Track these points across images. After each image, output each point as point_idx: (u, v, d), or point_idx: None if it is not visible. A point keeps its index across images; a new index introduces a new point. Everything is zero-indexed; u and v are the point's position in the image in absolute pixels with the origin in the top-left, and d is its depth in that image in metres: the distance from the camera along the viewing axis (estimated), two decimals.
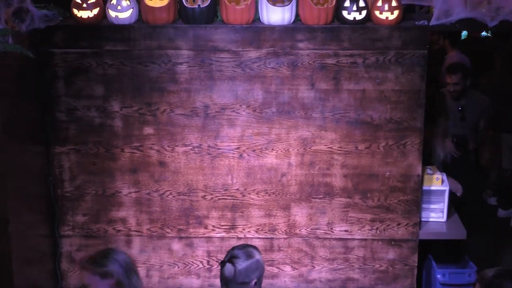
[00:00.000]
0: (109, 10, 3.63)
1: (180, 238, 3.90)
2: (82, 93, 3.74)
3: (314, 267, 3.91)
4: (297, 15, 3.64)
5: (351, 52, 3.62)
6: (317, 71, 3.66)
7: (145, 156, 3.80)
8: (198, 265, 3.94)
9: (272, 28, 3.62)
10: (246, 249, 2.84)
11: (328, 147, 3.75)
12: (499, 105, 5.86)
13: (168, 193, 3.84)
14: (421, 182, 3.81)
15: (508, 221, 6.09)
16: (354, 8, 3.57)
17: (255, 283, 2.77)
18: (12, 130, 3.38)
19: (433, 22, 3.52)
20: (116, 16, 3.63)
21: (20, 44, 3.26)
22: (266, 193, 3.82)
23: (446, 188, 4.06)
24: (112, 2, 3.61)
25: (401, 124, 3.70)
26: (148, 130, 3.77)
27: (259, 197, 3.83)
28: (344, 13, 3.59)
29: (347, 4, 3.57)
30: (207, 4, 3.57)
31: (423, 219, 3.99)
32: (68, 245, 3.93)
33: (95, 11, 3.64)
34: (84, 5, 3.62)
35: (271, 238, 3.88)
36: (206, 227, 3.88)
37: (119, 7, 3.61)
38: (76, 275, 3.90)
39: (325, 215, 3.83)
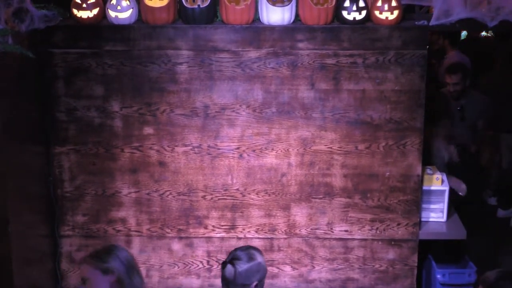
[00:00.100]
0: (109, 10, 3.63)
1: (180, 238, 3.90)
2: (82, 93, 3.74)
3: (314, 267, 3.91)
4: (297, 15, 3.64)
5: (351, 52, 3.62)
6: (317, 71, 3.66)
7: (145, 156, 3.80)
8: (198, 265, 3.94)
9: (272, 28, 3.62)
10: (248, 251, 2.83)
11: (328, 147, 3.75)
12: (499, 105, 5.85)
13: (168, 193, 3.84)
14: (421, 182, 3.81)
15: (508, 221, 6.09)
16: (354, 8, 3.57)
17: (256, 286, 2.76)
18: (12, 130, 3.38)
19: (433, 22, 3.52)
20: (116, 16, 3.63)
21: (20, 44, 3.26)
22: (266, 193, 3.82)
23: (446, 188, 4.05)
24: (112, 2, 3.61)
25: (401, 124, 3.70)
26: (148, 130, 3.77)
27: (259, 197, 3.83)
28: (344, 13, 3.59)
29: (347, 4, 3.57)
30: (207, 4, 3.57)
31: (423, 219, 3.99)
32: (68, 245, 3.93)
33: (95, 11, 3.64)
34: (84, 5, 3.62)
35: (271, 238, 3.88)
36: (206, 227, 3.88)
37: (119, 7, 3.61)
38: (76, 275, 3.90)
39: (325, 215, 3.83)
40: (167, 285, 3.97)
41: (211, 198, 3.84)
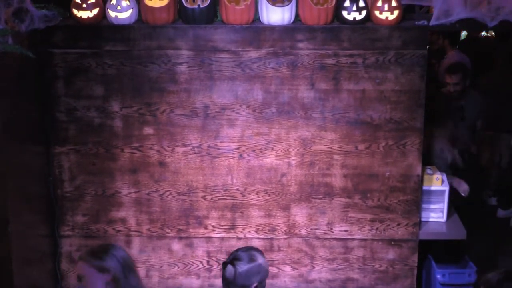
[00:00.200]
0: (109, 10, 3.62)
1: (180, 238, 3.90)
2: (82, 93, 3.74)
3: (314, 267, 3.91)
4: (297, 15, 3.64)
5: (351, 52, 3.62)
6: (317, 71, 3.66)
7: (145, 156, 3.80)
8: (198, 265, 3.94)
9: (272, 28, 3.62)
10: (250, 252, 2.83)
11: (328, 147, 3.75)
12: (499, 105, 5.86)
13: (168, 193, 3.84)
14: (421, 182, 3.81)
15: (508, 221, 6.09)
16: (354, 8, 3.57)
17: (256, 287, 2.76)
18: (12, 130, 3.38)
19: (433, 22, 3.52)
20: (116, 16, 3.63)
21: (20, 44, 3.26)
22: (266, 193, 3.82)
23: (446, 188, 4.06)
24: (112, 2, 3.61)
25: (401, 124, 3.70)
26: (148, 130, 3.77)
27: (259, 197, 3.83)
28: (344, 13, 3.59)
29: (347, 4, 3.57)
30: (207, 4, 3.57)
31: (423, 219, 3.99)
32: (68, 245, 3.93)
33: (95, 11, 3.64)
34: (84, 5, 3.62)
35: (271, 238, 3.88)
36: (206, 227, 3.88)
37: (119, 7, 3.61)
38: (76, 275, 3.90)
39: (325, 215, 3.83)
40: (167, 285, 3.97)
41: (211, 198, 3.84)
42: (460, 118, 5.40)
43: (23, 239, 3.51)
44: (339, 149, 3.75)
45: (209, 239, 3.90)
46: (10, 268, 3.35)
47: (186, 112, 3.73)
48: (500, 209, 6.21)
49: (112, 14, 3.62)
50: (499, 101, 5.88)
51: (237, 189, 3.82)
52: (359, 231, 3.84)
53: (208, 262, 3.93)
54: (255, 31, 3.63)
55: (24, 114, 3.57)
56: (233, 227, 3.87)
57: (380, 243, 3.86)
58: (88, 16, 3.64)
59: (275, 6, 3.56)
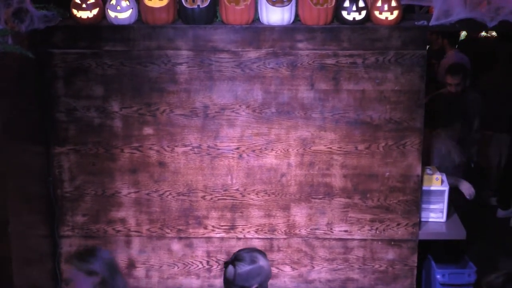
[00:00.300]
0: (109, 11, 3.62)
1: (180, 238, 3.90)
2: (81, 94, 3.74)
3: (313, 267, 3.91)
4: (296, 15, 3.64)
5: (350, 53, 3.62)
6: (316, 72, 3.66)
7: (145, 156, 3.80)
8: (198, 266, 3.94)
9: (271, 28, 3.62)
10: (252, 253, 2.83)
11: (328, 147, 3.75)
12: (499, 105, 5.86)
13: (167, 193, 3.84)
14: (420, 182, 3.81)
15: (508, 221, 6.09)
16: (354, 8, 3.57)
17: None
18: (12, 130, 3.37)
19: (432, 22, 3.51)
20: (116, 17, 3.63)
21: (20, 45, 3.26)
22: (266, 193, 3.82)
23: (445, 188, 4.06)
24: (111, 3, 3.61)
25: (400, 124, 3.70)
26: (148, 130, 3.77)
27: (258, 197, 3.83)
28: (344, 13, 3.59)
29: (346, 4, 3.57)
30: (207, 4, 3.57)
31: (422, 219, 3.99)
32: (67, 246, 3.93)
33: (95, 11, 3.64)
34: (84, 5, 3.62)
35: (271, 239, 3.88)
36: (205, 228, 3.88)
37: (118, 8, 3.61)
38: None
39: (325, 215, 3.83)
40: (166, 285, 3.97)
41: (211, 198, 3.84)
42: (461, 118, 5.40)
43: (23, 239, 3.51)
44: (338, 149, 3.75)
45: (208, 239, 3.90)
46: (10, 268, 3.34)
47: (186, 112, 3.73)
48: (500, 209, 6.21)
49: (111, 14, 3.62)
50: (499, 101, 5.88)
51: (237, 189, 3.82)
52: (359, 231, 3.84)
53: (208, 262, 3.93)
54: (255, 31, 3.63)
55: (24, 114, 3.57)
56: (232, 227, 3.87)
57: (380, 243, 3.86)
58: (87, 17, 3.64)
59: (274, 6, 3.56)
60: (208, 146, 3.77)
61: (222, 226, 3.88)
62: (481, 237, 5.23)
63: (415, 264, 3.89)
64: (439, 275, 4.26)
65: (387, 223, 3.83)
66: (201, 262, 3.93)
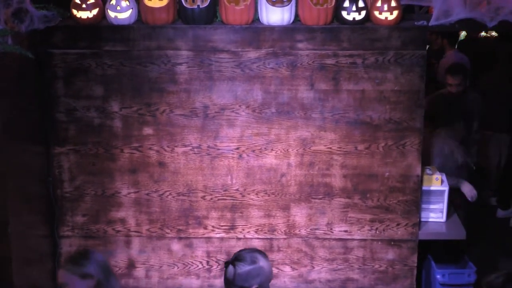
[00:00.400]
0: (109, 11, 3.63)
1: (180, 238, 3.90)
2: (81, 94, 3.74)
3: (313, 267, 3.91)
4: (296, 15, 3.65)
5: (350, 53, 3.63)
6: (316, 72, 3.66)
7: (145, 156, 3.80)
8: (198, 266, 3.94)
9: (271, 28, 3.62)
10: (253, 253, 2.83)
11: (328, 148, 3.75)
12: (499, 105, 5.86)
13: (167, 193, 3.84)
14: (420, 182, 3.81)
15: (508, 221, 6.09)
16: (354, 8, 3.57)
17: None
18: (12, 130, 3.38)
19: (432, 22, 3.52)
20: (116, 17, 3.63)
21: (20, 45, 3.26)
22: (266, 193, 3.82)
23: (445, 188, 4.06)
24: (111, 3, 3.61)
25: (400, 125, 3.70)
26: (148, 130, 3.77)
27: (258, 197, 3.83)
28: (344, 13, 3.59)
29: (346, 4, 3.57)
30: (207, 4, 3.57)
31: (422, 219, 3.99)
32: (67, 246, 3.93)
33: (95, 11, 3.64)
34: (84, 5, 3.62)
35: (271, 239, 3.88)
36: (205, 228, 3.88)
37: (118, 8, 3.61)
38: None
39: (325, 215, 3.83)
40: (166, 286, 3.97)
41: (211, 199, 3.84)
42: (462, 118, 5.40)
43: (23, 239, 3.51)
44: (338, 149, 3.75)
45: (208, 239, 3.90)
46: (10, 268, 3.35)
47: (185, 112, 3.73)
48: (500, 209, 6.21)
49: (111, 14, 3.62)
50: (499, 101, 5.88)
51: (237, 189, 3.82)
52: (358, 231, 3.84)
53: (207, 262, 3.93)
54: (255, 31, 3.63)
55: (24, 114, 3.57)
56: (232, 228, 3.87)
57: (379, 243, 3.86)
58: (87, 17, 3.64)
59: (274, 6, 3.56)
60: (208, 146, 3.77)
61: (222, 226, 3.88)
62: (481, 237, 5.22)
63: (415, 264, 3.89)
64: (439, 275, 4.26)
65: (387, 223, 3.83)
66: (201, 262, 3.93)
